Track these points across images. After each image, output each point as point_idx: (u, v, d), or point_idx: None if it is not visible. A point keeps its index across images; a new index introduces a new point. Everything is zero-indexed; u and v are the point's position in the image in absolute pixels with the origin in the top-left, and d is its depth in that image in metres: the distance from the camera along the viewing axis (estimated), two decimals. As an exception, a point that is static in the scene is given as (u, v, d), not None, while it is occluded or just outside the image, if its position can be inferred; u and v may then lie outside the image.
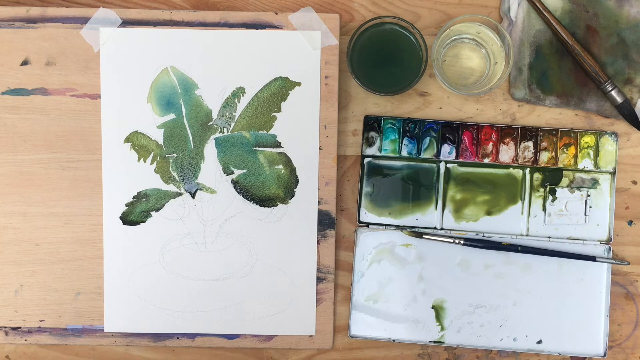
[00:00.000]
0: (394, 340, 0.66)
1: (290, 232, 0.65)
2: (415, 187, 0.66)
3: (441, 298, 0.66)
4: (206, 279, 0.65)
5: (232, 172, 0.65)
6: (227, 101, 0.64)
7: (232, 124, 0.64)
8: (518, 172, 0.66)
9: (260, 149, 0.65)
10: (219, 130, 0.64)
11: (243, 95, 0.64)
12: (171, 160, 0.64)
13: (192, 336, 0.65)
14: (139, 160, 0.64)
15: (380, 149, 0.66)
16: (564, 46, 0.64)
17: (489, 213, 0.66)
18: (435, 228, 0.66)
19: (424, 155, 0.66)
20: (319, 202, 0.65)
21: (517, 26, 0.64)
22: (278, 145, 0.65)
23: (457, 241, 0.65)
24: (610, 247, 0.65)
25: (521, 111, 0.66)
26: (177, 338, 0.66)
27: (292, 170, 0.65)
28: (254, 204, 0.65)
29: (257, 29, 0.64)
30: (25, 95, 0.64)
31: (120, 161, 0.64)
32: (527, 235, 0.66)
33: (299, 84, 0.64)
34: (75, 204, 0.65)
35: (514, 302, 0.66)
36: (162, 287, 0.65)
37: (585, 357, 0.66)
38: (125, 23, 0.64)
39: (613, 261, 0.65)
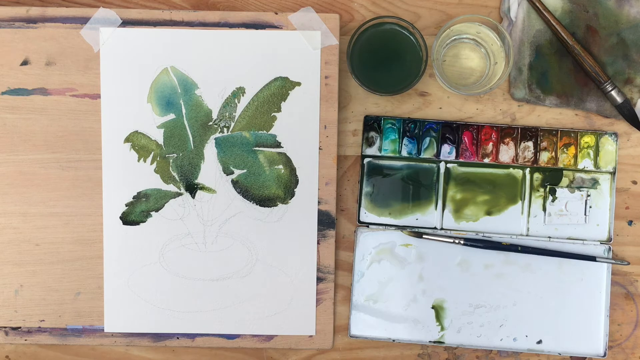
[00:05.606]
0: (394, 340, 0.66)
1: (290, 232, 0.65)
2: (415, 187, 0.66)
3: (441, 298, 0.66)
4: (206, 279, 0.65)
5: (232, 172, 0.65)
6: (227, 101, 0.64)
7: (232, 124, 0.64)
8: (518, 172, 0.66)
9: (260, 149, 0.65)
10: (219, 130, 0.64)
11: (243, 95, 0.64)
12: (171, 160, 0.64)
13: (192, 336, 0.66)
14: (139, 160, 0.64)
15: (380, 149, 0.66)
16: (564, 46, 0.64)
17: (489, 213, 0.66)
18: (435, 228, 0.66)
19: (424, 155, 0.66)
20: (319, 202, 0.65)
21: (517, 26, 0.64)
22: (278, 145, 0.65)
23: (457, 241, 0.65)
24: (610, 247, 0.65)
25: (521, 111, 0.66)
26: (177, 338, 0.66)
27: (292, 170, 0.65)
28: (254, 204, 0.65)
29: (257, 29, 0.64)
30: (25, 95, 0.64)
31: (120, 161, 0.64)
32: (527, 235, 0.66)
33: (299, 84, 0.64)
34: (75, 204, 0.65)
35: (514, 302, 0.66)
36: (162, 287, 0.65)
37: (585, 357, 0.66)
38: (125, 23, 0.64)
39: (613, 261, 0.65)
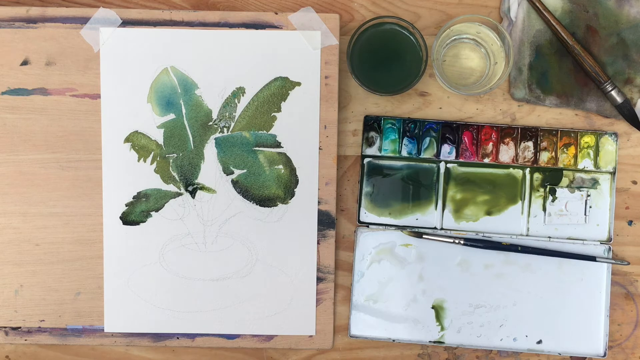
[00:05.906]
0: (394, 340, 0.66)
1: (290, 232, 0.65)
2: (415, 187, 0.66)
3: (441, 298, 0.66)
4: (206, 279, 0.65)
5: (232, 172, 0.65)
6: (227, 101, 0.64)
7: (232, 124, 0.64)
8: (518, 172, 0.66)
9: (260, 149, 0.65)
10: (219, 130, 0.64)
11: (243, 95, 0.64)
12: (171, 160, 0.64)
13: (192, 336, 0.66)
14: (139, 160, 0.64)
15: (380, 149, 0.66)
16: (564, 46, 0.64)
17: (489, 213, 0.66)
18: (435, 228, 0.66)
19: (424, 155, 0.66)
20: (319, 202, 0.65)
21: (517, 26, 0.64)
22: (278, 145, 0.65)
23: (457, 241, 0.65)
24: (610, 247, 0.65)
25: (521, 111, 0.66)
26: (177, 338, 0.66)
27: (292, 170, 0.65)
28: (254, 204, 0.65)
29: (257, 29, 0.64)
30: (25, 95, 0.64)
31: (120, 161, 0.64)
32: (527, 235, 0.66)
33: (299, 84, 0.64)
34: (75, 204, 0.65)
35: (514, 302, 0.66)
36: (162, 287, 0.65)
37: (585, 357, 0.66)
38: (125, 23, 0.64)
39: (613, 261, 0.65)
